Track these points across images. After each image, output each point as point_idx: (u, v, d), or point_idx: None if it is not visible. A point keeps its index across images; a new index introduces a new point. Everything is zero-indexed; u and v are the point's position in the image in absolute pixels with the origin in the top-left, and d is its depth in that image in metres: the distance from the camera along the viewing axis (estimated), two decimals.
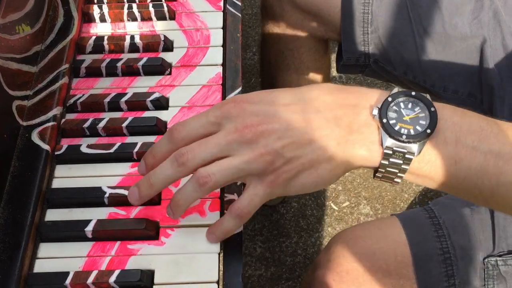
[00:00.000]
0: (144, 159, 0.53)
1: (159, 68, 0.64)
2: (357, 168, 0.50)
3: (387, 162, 0.48)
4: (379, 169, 0.49)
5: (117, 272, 0.51)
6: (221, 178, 0.48)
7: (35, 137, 0.58)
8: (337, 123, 0.47)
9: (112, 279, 0.50)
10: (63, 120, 0.61)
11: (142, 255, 0.52)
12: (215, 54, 0.66)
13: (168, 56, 0.66)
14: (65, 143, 0.59)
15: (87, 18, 0.69)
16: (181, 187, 0.51)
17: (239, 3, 0.71)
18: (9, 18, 0.58)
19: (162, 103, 0.62)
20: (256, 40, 1.59)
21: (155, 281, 0.51)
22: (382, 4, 0.86)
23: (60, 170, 0.58)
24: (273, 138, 0.47)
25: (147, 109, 0.62)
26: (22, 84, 0.60)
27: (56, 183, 0.57)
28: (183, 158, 0.49)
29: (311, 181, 0.49)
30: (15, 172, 0.56)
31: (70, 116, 0.62)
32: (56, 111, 0.60)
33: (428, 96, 0.49)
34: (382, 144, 0.47)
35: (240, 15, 0.70)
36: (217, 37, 0.68)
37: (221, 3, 0.70)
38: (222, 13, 0.70)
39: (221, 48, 0.67)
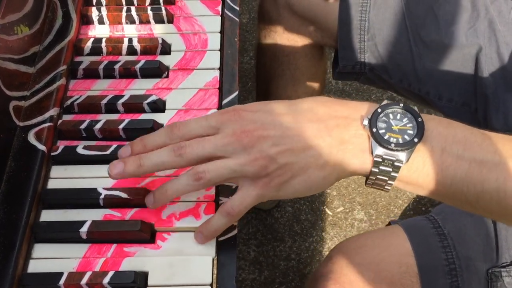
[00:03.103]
0: (132, 145, 0.54)
1: (157, 71, 0.65)
2: (349, 175, 0.51)
3: (377, 170, 0.50)
4: (370, 177, 0.51)
5: (111, 273, 0.51)
6: (215, 177, 0.51)
7: (31, 138, 0.58)
8: (329, 133, 0.50)
9: (106, 280, 0.50)
10: (60, 121, 0.61)
11: (136, 257, 0.53)
12: (213, 58, 0.66)
13: (165, 59, 0.66)
14: (61, 144, 0.60)
15: (86, 20, 0.69)
16: (174, 179, 0.52)
17: (237, 8, 0.71)
18: (8, 18, 0.59)
19: (159, 106, 0.62)
20: (253, 45, 1.59)
21: (149, 283, 0.51)
22: (379, 12, 0.87)
23: (56, 171, 0.58)
24: (268, 144, 0.50)
25: (144, 111, 0.62)
26: (20, 85, 0.60)
27: (52, 184, 0.57)
28: (182, 150, 0.51)
29: (304, 187, 0.51)
30: (11, 172, 0.56)
31: (67, 117, 0.62)
32: (53, 112, 0.60)
33: (415, 108, 0.51)
34: (372, 153, 0.49)
35: (238, 20, 0.70)
36: (214, 41, 0.68)
37: (219, 8, 0.71)
38: (220, 17, 0.70)
39: (219, 52, 0.67)
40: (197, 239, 0.53)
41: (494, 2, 0.84)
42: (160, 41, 0.67)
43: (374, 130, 0.49)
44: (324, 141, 0.49)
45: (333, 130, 0.49)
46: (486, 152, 0.48)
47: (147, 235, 0.54)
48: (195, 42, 0.68)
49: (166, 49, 0.67)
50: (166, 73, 0.65)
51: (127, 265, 0.52)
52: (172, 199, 0.53)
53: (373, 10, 0.87)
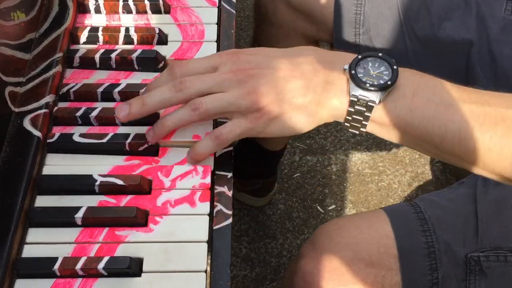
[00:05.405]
0: (143, 93, 0.59)
1: (153, 61, 0.65)
2: (329, 116, 0.57)
3: (352, 109, 0.55)
4: (346, 117, 0.56)
5: (106, 258, 0.51)
6: (212, 108, 0.55)
7: (27, 124, 0.58)
8: (316, 74, 0.56)
9: (101, 265, 0.50)
10: (55, 108, 0.61)
11: (131, 243, 0.53)
12: (209, 49, 0.67)
13: (162, 49, 0.66)
14: (57, 131, 0.59)
15: (82, 9, 0.69)
16: (172, 112, 0.57)
17: (234, 0, 0.71)
18: (5, 4, 0.59)
19: None
20: (248, 42, 1.60)
21: (144, 269, 0.51)
22: (374, 6, 0.88)
23: (52, 159, 0.58)
24: (261, 81, 0.55)
25: None
26: (15, 71, 0.60)
27: (47, 170, 0.57)
28: (182, 85, 0.56)
29: (289, 125, 0.56)
30: (6, 157, 0.56)
31: (62, 104, 0.62)
32: (48, 98, 0.60)
33: (392, 59, 0.57)
34: (349, 93, 0.55)
35: (234, 12, 0.70)
36: (211, 32, 0.68)
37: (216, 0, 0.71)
38: (217, 9, 0.70)
39: (215, 44, 0.67)
40: (187, 159, 0.57)
41: None
42: (157, 31, 0.67)
43: (353, 72, 0.55)
44: (311, 81, 0.55)
45: (319, 72, 0.56)
46: (453, 97, 0.54)
47: (142, 221, 0.54)
48: (192, 33, 0.68)
49: (163, 39, 0.67)
50: (163, 63, 0.65)
51: (122, 251, 0.52)
52: (171, 130, 0.57)
53: (368, 3, 0.88)
